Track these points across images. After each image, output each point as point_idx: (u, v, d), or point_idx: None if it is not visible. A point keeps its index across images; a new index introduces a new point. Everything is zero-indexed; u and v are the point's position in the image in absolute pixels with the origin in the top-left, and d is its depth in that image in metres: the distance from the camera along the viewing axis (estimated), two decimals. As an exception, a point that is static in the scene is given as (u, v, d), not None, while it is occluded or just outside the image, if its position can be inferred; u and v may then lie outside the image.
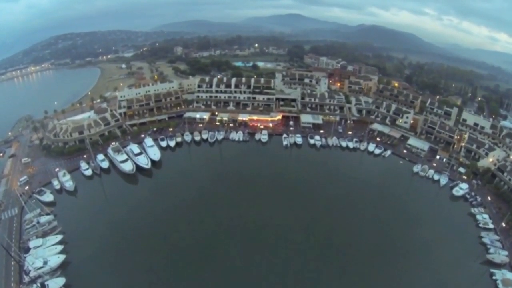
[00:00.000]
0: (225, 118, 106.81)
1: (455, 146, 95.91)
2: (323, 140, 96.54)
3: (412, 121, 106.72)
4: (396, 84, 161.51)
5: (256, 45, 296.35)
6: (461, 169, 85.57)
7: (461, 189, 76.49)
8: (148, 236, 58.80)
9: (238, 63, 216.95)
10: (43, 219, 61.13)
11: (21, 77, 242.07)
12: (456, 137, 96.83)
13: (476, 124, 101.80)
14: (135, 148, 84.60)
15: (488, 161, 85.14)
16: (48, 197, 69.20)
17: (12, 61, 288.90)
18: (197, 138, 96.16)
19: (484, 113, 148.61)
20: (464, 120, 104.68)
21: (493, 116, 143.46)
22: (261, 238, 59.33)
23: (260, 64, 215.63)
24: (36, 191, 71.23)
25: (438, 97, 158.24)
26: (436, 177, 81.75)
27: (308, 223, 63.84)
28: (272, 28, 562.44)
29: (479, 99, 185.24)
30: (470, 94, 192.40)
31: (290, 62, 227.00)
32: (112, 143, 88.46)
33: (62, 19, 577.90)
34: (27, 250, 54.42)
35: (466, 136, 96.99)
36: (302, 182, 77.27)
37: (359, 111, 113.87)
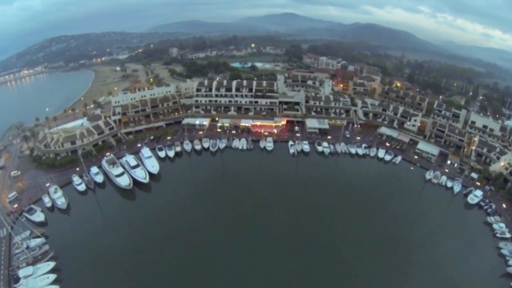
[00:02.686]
0: (226, 124, 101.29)
1: (465, 150, 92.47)
2: (331, 147, 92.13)
3: (419, 124, 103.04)
4: (398, 84, 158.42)
5: (253, 45, 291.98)
6: (473, 175, 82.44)
7: (476, 196, 73.59)
8: (148, 258, 53.93)
9: (236, 64, 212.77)
10: (33, 242, 55.59)
11: (14, 81, 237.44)
12: (466, 140, 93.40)
13: (485, 127, 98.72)
14: (131, 159, 78.94)
15: (500, 165, 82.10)
16: (39, 216, 63.54)
17: (5, 65, 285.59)
18: (198, 147, 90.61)
19: (488, 113, 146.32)
20: (473, 123, 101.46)
21: (497, 116, 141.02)
22: (271, 255, 55.32)
23: (258, 64, 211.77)
24: (26, 209, 65.48)
25: (441, 97, 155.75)
26: (449, 184, 78.61)
27: (319, 236, 60.44)
28: (267, 28, 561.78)
29: (481, 97, 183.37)
30: (471, 93, 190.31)
31: (289, 63, 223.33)
32: (107, 154, 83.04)
33: (55, 21, 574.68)
34: (16, 279, 49.18)
35: (476, 139, 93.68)
36: (312, 194, 72.94)
37: (365, 114, 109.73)
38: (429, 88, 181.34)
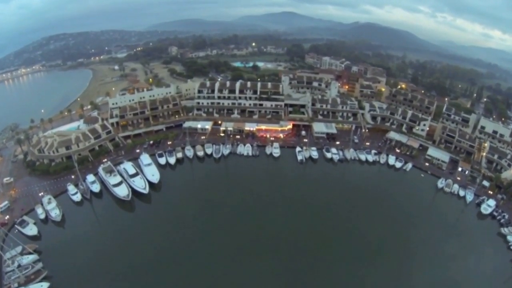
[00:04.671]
0: (229, 128, 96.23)
1: (475, 156, 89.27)
2: (340, 153, 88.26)
3: (428, 129, 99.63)
4: (403, 86, 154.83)
5: (254, 44, 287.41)
6: (485, 183, 79.41)
7: (489, 206, 70.77)
8: (151, 275, 50.38)
9: (237, 63, 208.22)
10: (26, 259, 51.61)
11: (11, 80, 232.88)
12: (476, 146, 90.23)
13: (495, 132, 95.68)
14: (129, 167, 74.23)
15: (511, 172, 78.82)
16: (32, 229, 59.24)
17: (3, 63, 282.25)
18: (200, 153, 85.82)
19: (494, 116, 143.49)
20: (483, 128, 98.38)
21: (503, 119, 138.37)
22: (279, 267, 52.93)
23: (260, 64, 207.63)
24: (18, 221, 61.00)
25: (447, 99, 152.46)
26: (461, 193, 75.60)
27: (329, 247, 58.48)
28: (266, 27, 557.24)
29: (485, 100, 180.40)
30: (475, 95, 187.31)
31: (291, 62, 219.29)
32: (104, 161, 78.64)
33: (54, 19, 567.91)
34: (7, 301, 45.53)
35: (486, 145, 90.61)
36: (322, 203, 69.60)
37: (373, 118, 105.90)
38: (434, 90, 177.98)
